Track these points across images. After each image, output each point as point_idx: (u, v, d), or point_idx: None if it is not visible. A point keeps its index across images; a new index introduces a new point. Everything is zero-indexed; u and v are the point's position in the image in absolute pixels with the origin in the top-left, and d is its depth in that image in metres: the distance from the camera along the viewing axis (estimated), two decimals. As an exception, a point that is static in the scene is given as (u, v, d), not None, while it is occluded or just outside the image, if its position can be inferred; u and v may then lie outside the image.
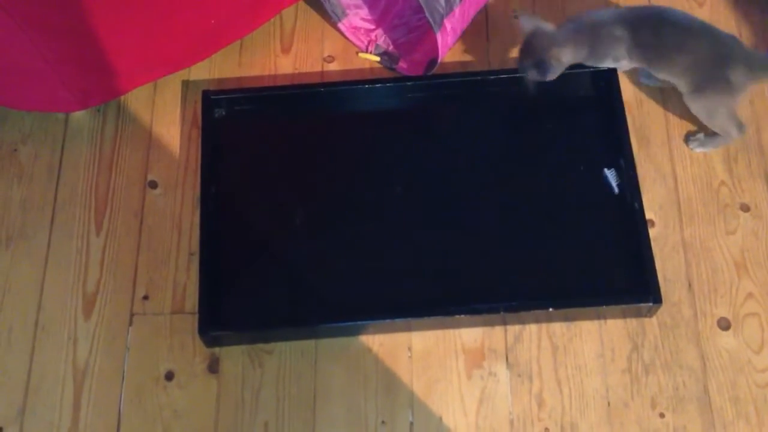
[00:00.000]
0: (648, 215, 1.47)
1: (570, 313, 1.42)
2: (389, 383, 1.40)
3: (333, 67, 1.65)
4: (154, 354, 1.42)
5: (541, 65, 1.44)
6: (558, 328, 1.42)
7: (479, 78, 1.55)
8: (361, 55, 1.66)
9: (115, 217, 1.52)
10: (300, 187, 1.53)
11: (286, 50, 1.67)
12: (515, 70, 1.51)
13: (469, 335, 1.42)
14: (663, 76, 1.50)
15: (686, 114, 1.57)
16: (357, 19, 1.66)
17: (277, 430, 1.37)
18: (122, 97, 1.61)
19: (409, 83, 1.60)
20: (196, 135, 1.58)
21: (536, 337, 1.42)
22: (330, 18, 1.65)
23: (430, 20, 1.45)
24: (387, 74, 1.63)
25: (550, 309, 1.39)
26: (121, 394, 1.39)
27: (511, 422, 1.37)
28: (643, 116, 1.58)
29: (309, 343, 1.42)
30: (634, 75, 1.60)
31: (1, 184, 1.55)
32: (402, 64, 1.63)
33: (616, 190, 1.49)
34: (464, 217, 1.50)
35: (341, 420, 1.37)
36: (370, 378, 1.40)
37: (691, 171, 1.53)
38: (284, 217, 1.50)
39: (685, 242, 1.48)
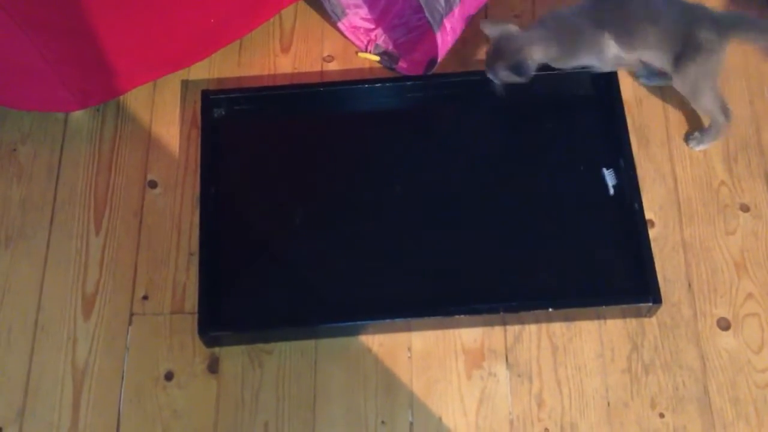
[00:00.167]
0: (648, 215, 1.47)
1: (570, 314, 1.42)
2: (389, 383, 1.40)
3: (332, 66, 1.65)
4: (154, 354, 1.42)
5: (518, 65, 1.44)
6: (558, 328, 1.42)
7: (479, 78, 1.55)
8: (361, 54, 1.66)
9: (115, 216, 1.52)
10: (299, 186, 1.53)
11: (285, 50, 1.67)
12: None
13: (468, 335, 1.42)
14: (640, 54, 1.49)
15: (686, 114, 1.57)
16: (357, 18, 1.66)
17: (276, 430, 1.37)
18: (121, 97, 1.61)
19: (408, 83, 1.60)
20: (196, 135, 1.58)
21: (536, 338, 1.42)
22: (329, 17, 1.65)
23: (430, 20, 1.45)
24: (387, 74, 1.63)
25: (550, 309, 1.39)
26: (120, 394, 1.39)
27: (511, 422, 1.37)
28: (643, 116, 1.58)
29: (309, 343, 1.42)
30: (634, 74, 1.60)
31: (0, 184, 1.55)
32: (402, 64, 1.63)
33: (616, 190, 1.49)
34: (464, 216, 1.50)
35: (341, 420, 1.37)
36: (369, 378, 1.40)
37: (691, 171, 1.53)
38: (284, 216, 1.50)
39: (684, 242, 1.48)
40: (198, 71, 1.63)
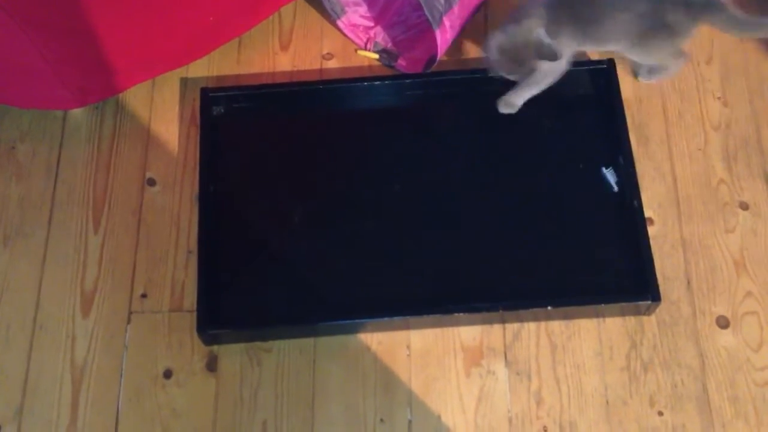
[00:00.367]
0: (647, 213, 1.47)
1: (569, 312, 1.41)
2: (388, 381, 1.39)
3: (332, 64, 1.65)
4: (153, 352, 1.42)
5: (544, 49, 1.41)
6: (557, 326, 1.42)
7: (478, 75, 1.55)
8: (360, 52, 1.65)
9: (114, 214, 1.52)
10: (298, 184, 1.53)
11: (284, 48, 1.66)
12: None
13: (467, 333, 1.42)
14: (604, 43, 1.48)
15: (686, 113, 1.57)
16: (356, 16, 1.66)
17: (275, 429, 1.37)
18: (120, 95, 1.61)
19: (407, 81, 1.60)
20: (195, 132, 1.58)
21: (535, 336, 1.42)
22: (329, 15, 1.65)
23: (429, 18, 1.45)
24: (386, 72, 1.63)
25: (549, 307, 1.39)
26: (119, 393, 1.39)
27: (510, 420, 1.37)
28: (643, 114, 1.58)
29: (307, 341, 1.42)
30: (633, 73, 1.60)
31: (-1, 182, 1.55)
32: (401, 62, 1.63)
33: (616, 188, 1.49)
34: (463, 214, 1.50)
35: (340, 418, 1.37)
36: (368, 376, 1.40)
37: (690, 169, 1.53)
38: (283, 214, 1.50)
39: (684, 240, 1.48)
40: (197, 69, 1.63)
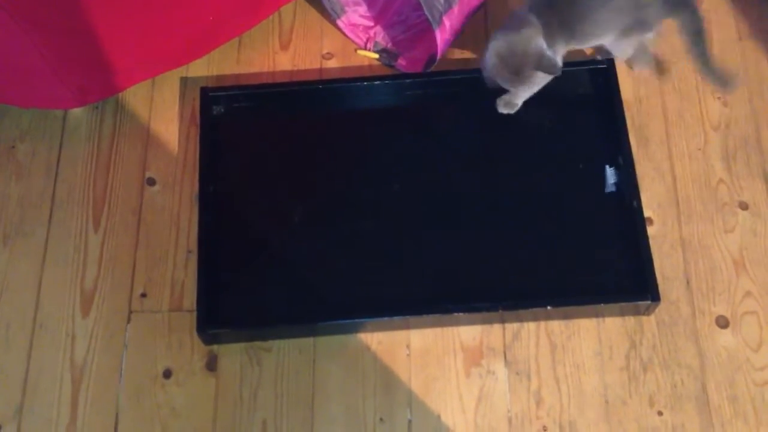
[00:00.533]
0: (647, 213, 1.47)
1: (568, 311, 1.42)
2: (388, 381, 1.40)
3: (332, 64, 1.65)
4: (152, 352, 1.42)
5: (544, 61, 1.42)
6: (556, 326, 1.42)
7: (478, 75, 1.55)
8: (360, 52, 1.65)
9: (113, 214, 1.52)
10: (298, 184, 1.53)
11: (284, 47, 1.66)
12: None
13: (467, 333, 1.42)
14: (591, 40, 1.49)
15: (686, 113, 1.57)
16: (356, 16, 1.66)
17: (275, 428, 1.37)
18: (120, 94, 1.61)
19: (407, 80, 1.60)
20: (195, 132, 1.58)
21: (534, 335, 1.42)
22: (329, 15, 1.65)
23: (429, 17, 1.45)
24: (386, 71, 1.63)
25: (549, 307, 1.39)
26: (119, 392, 1.39)
27: (510, 420, 1.37)
28: (642, 114, 1.58)
29: (307, 341, 1.42)
30: (633, 73, 1.60)
31: (-2, 182, 1.55)
32: (401, 62, 1.63)
33: (615, 188, 1.49)
34: (462, 214, 1.50)
35: (340, 418, 1.37)
36: (368, 376, 1.40)
37: (689, 169, 1.53)
38: (282, 214, 1.50)
39: (683, 240, 1.48)
40: (197, 68, 1.63)
